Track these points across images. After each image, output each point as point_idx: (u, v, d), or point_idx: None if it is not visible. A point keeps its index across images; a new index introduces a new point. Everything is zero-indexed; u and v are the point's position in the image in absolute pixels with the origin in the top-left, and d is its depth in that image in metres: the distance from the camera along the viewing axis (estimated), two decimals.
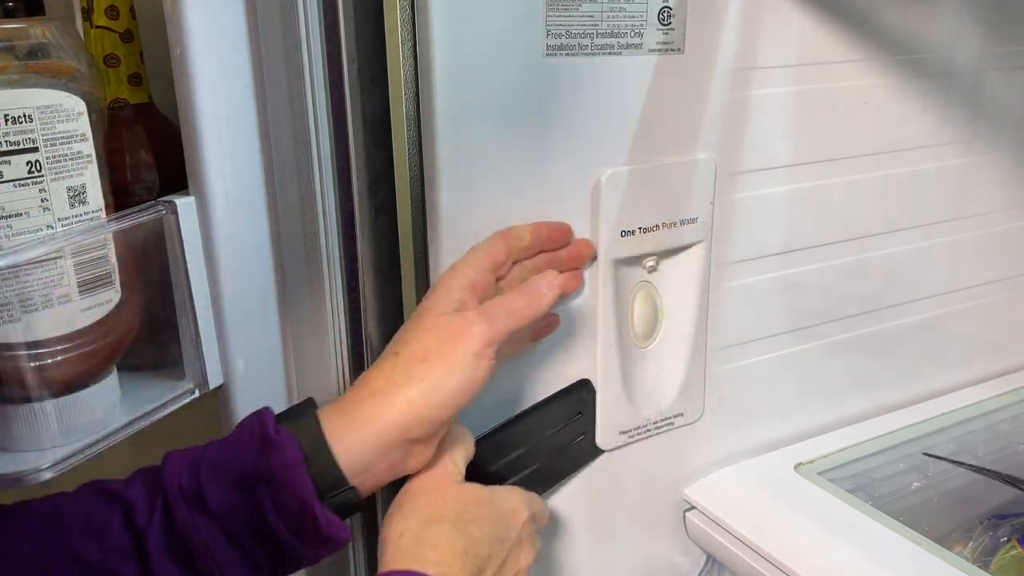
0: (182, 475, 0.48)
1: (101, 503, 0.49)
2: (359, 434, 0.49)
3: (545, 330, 0.61)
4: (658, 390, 0.67)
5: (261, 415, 0.50)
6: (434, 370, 0.49)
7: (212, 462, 0.49)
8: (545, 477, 0.63)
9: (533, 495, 0.56)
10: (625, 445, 0.66)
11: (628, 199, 0.60)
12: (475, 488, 0.52)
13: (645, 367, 0.66)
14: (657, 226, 0.62)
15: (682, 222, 0.64)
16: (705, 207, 0.65)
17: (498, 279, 0.57)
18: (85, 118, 0.50)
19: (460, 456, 0.54)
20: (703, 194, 0.64)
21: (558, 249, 0.60)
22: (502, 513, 0.52)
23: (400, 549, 0.47)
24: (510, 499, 0.53)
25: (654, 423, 0.67)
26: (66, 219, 0.50)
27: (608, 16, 0.57)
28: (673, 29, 0.60)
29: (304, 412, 0.50)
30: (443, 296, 0.52)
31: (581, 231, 0.61)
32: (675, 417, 0.68)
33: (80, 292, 0.50)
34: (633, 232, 0.61)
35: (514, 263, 0.58)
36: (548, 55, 0.56)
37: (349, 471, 0.48)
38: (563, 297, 0.58)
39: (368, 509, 0.60)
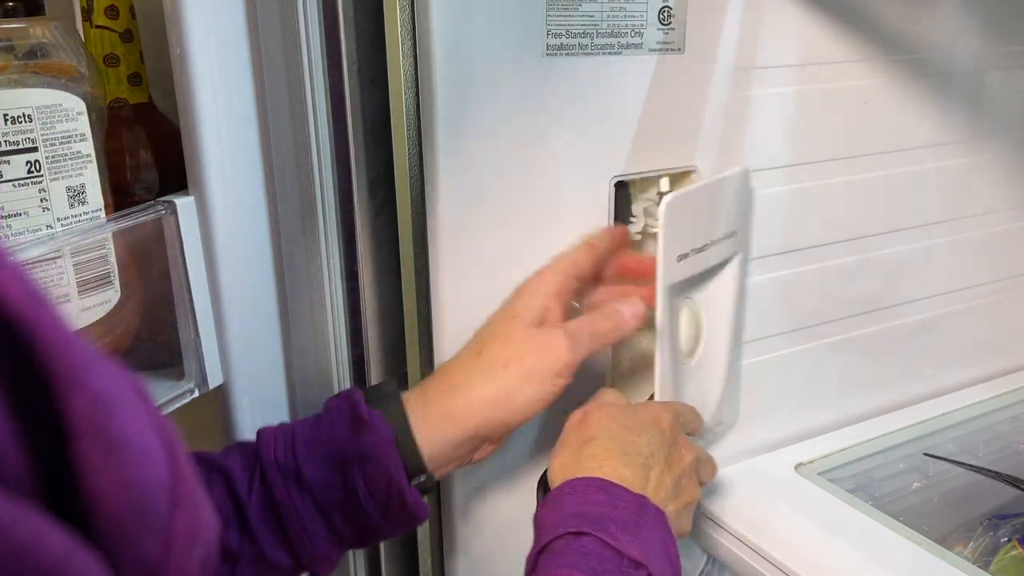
0: (278, 450, 0.50)
1: (200, 470, 0.50)
2: (438, 427, 0.52)
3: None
4: (703, 403, 0.66)
5: (351, 395, 0.52)
6: (514, 378, 0.52)
7: (307, 438, 0.51)
8: None
9: (671, 403, 0.59)
10: None
11: (683, 222, 0.60)
12: (615, 407, 0.54)
13: (689, 383, 0.66)
14: (706, 245, 0.62)
15: (724, 236, 0.64)
16: (743, 219, 0.65)
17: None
18: (85, 118, 0.50)
19: (608, 396, 0.56)
20: (743, 206, 0.65)
21: (623, 247, 0.62)
22: (647, 419, 0.54)
23: (564, 476, 0.49)
24: (651, 408, 0.56)
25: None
26: (66, 219, 0.50)
27: (608, 16, 0.57)
28: (673, 29, 0.59)
29: (390, 396, 0.53)
30: (530, 303, 0.55)
31: (581, 230, 0.61)
32: (716, 427, 0.68)
33: (80, 292, 0.50)
34: (687, 255, 0.61)
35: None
36: (548, 55, 0.56)
37: (426, 459, 0.51)
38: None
39: None
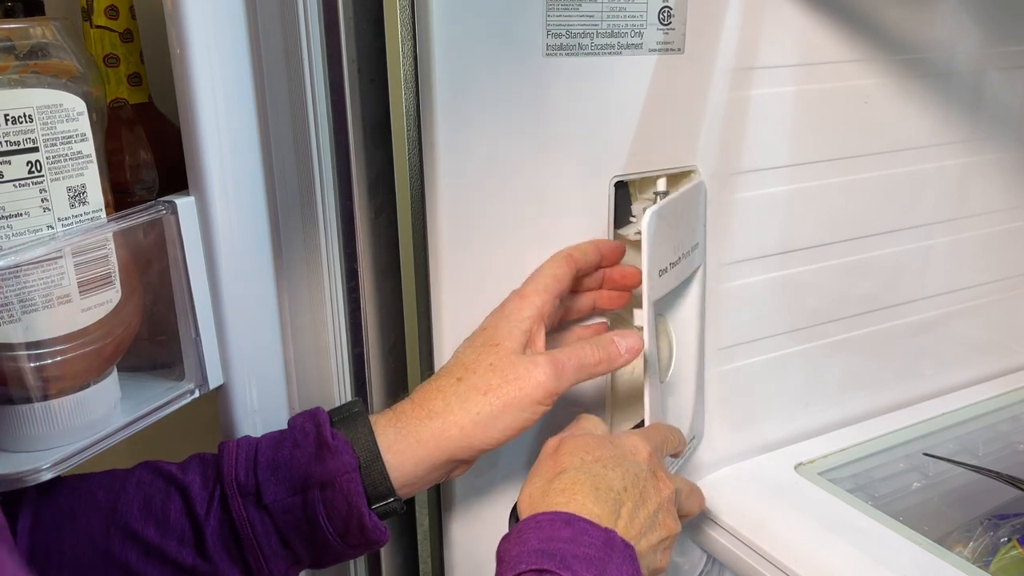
0: (239, 468, 0.50)
1: (159, 484, 0.51)
2: (411, 453, 0.51)
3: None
4: (678, 420, 0.66)
5: (316, 416, 0.52)
6: (491, 405, 0.51)
7: (270, 459, 0.50)
8: None
9: (652, 428, 0.57)
10: None
11: (662, 235, 0.58)
12: (591, 437, 0.53)
13: (667, 400, 0.66)
14: (679, 258, 0.61)
15: (692, 249, 0.64)
16: (703, 231, 0.65)
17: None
18: (85, 118, 0.50)
19: (586, 424, 0.55)
20: (703, 217, 0.65)
21: (612, 266, 0.61)
22: (623, 452, 0.52)
23: (532, 508, 0.48)
24: (628, 439, 0.53)
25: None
26: (66, 219, 0.50)
27: (608, 16, 0.57)
28: (673, 29, 0.60)
29: (357, 418, 0.52)
30: (513, 330, 0.54)
31: (581, 230, 0.61)
32: (691, 441, 0.68)
33: (80, 292, 0.50)
34: (666, 269, 0.60)
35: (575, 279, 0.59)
36: (548, 55, 0.56)
37: (396, 483, 0.50)
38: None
39: None
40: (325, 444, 0.50)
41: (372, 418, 0.52)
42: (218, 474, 0.50)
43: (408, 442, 0.51)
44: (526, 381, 0.51)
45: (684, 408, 0.67)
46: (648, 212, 0.55)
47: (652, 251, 0.56)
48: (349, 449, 0.50)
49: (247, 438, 0.53)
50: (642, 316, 0.57)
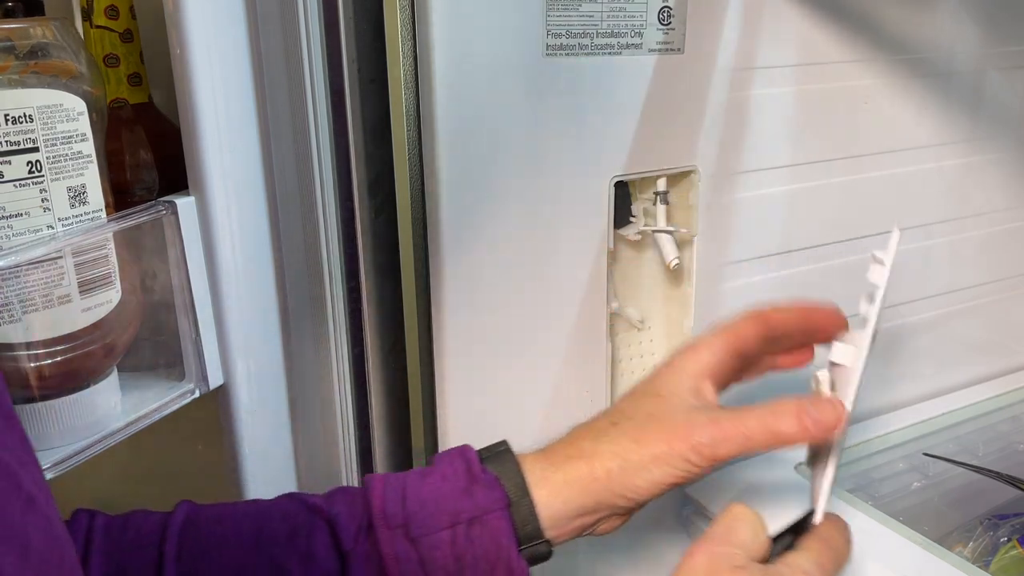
0: (388, 499, 0.48)
1: (303, 516, 0.48)
2: (558, 492, 0.48)
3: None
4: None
5: (464, 452, 0.50)
6: (640, 455, 0.48)
7: (419, 493, 0.48)
8: None
9: (826, 551, 0.48)
10: None
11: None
12: (741, 558, 0.45)
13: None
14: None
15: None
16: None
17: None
18: (85, 118, 0.50)
19: (744, 534, 0.46)
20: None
21: (824, 341, 0.53)
22: None
23: None
24: (794, 572, 0.45)
25: None
26: (66, 219, 0.50)
27: (608, 16, 0.57)
28: (673, 29, 0.60)
29: (505, 455, 0.50)
30: (677, 381, 0.50)
31: (581, 233, 0.61)
32: None
33: (80, 292, 0.50)
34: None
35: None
36: (548, 55, 0.56)
37: (544, 523, 0.48)
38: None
39: None
40: (475, 479, 0.48)
41: (520, 456, 0.50)
42: (366, 506, 0.48)
43: (556, 481, 0.48)
44: (681, 439, 0.47)
45: (823, 492, 0.53)
46: (897, 230, 0.50)
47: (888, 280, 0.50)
48: (498, 485, 0.47)
49: (391, 474, 0.50)
50: (849, 383, 0.47)
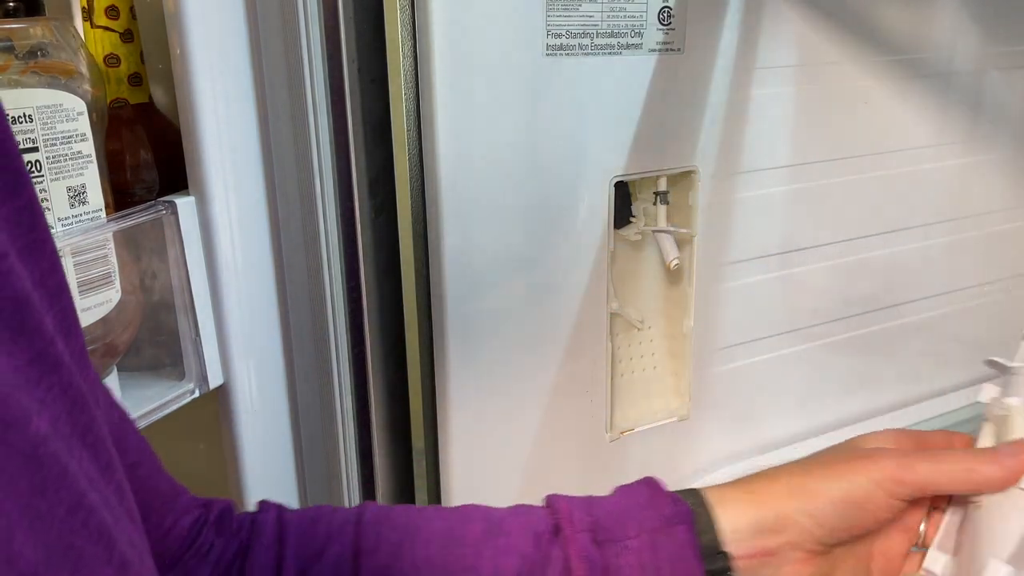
0: (574, 508, 0.47)
1: (492, 519, 0.47)
2: (737, 505, 0.47)
3: None
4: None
5: (647, 479, 0.49)
6: (820, 474, 0.46)
7: (604, 505, 0.47)
8: None
9: None
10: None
11: None
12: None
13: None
14: None
15: None
16: None
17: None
18: (85, 118, 0.50)
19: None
20: None
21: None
22: None
23: None
24: None
25: None
26: (66, 219, 0.50)
27: (608, 16, 0.57)
28: (673, 29, 0.60)
29: (684, 488, 0.49)
30: (859, 441, 0.49)
31: (581, 233, 0.61)
32: None
33: (80, 292, 0.50)
34: None
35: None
36: (548, 55, 0.56)
37: (724, 538, 0.46)
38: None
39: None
40: (658, 496, 0.47)
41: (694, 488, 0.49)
42: (552, 513, 0.47)
43: (734, 496, 0.47)
44: (867, 459, 0.46)
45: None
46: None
47: None
48: (681, 501, 0.47)
49: (561, 495, 0.49)
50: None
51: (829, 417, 0.79)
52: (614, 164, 0.61)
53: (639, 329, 0.68)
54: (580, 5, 0.56)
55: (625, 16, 0.58)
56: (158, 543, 0.42)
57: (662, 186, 0.64)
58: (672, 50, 0.60)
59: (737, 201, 0.67)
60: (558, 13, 0.55)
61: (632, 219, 0.65)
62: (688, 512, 0.46)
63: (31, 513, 0.24)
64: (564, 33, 0.56)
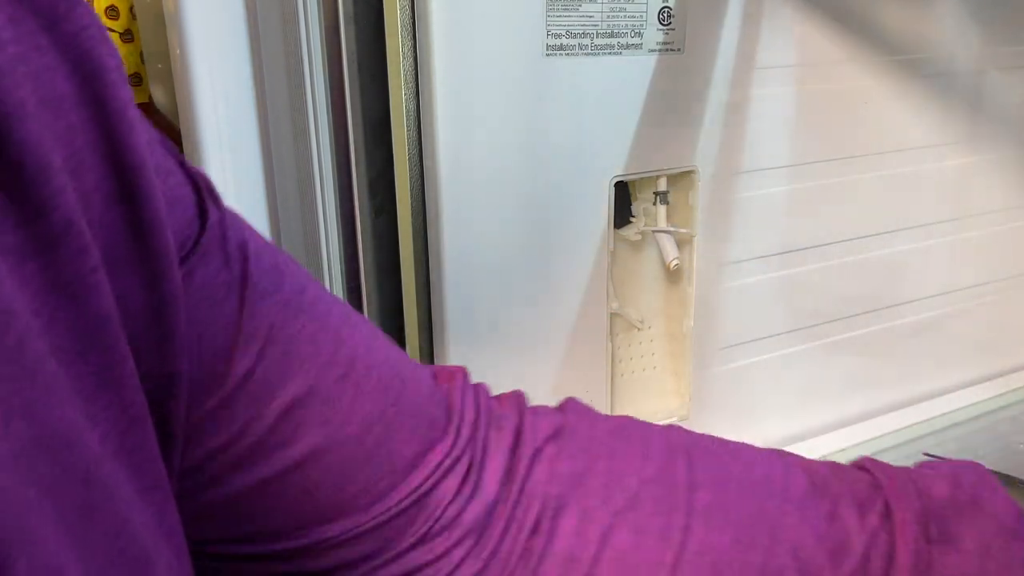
0: (902, 487, 0.41)
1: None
2: None
3: None
4: None
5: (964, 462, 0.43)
6: None
7: (931, 489, 0.41)
8: None
9: None
10: None
11: None
12: None
13: None
14: None
15: None
16: None
17: None
18: None
19: None
20: None
21: None
22: None
23: None
24: None
25: None
26: None
27: (608, 16, 0.57)
28: (673, 29, 0.59)
29: None
30: None
31: (581, 233, 0.61)
32: None
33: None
34: None
35: None
36: (548, 55, 0.56)
37: None
38: None
39: None
40: (990, 488, 0.41)
41: None
42: (877, 485, 0.42)
43: None
44: None
45: None
46: None
47: None
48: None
49: None
50: None
51: (829, 417, 0.79)
52: (614, 164, 0.61)
53: (639, 329, 0.68)
54: (580, 5, 0.56)
55: (625, 16, 0.58)
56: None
57: (662, 186, 0.64)
58: (672, 50, 0.60)
59: (737, 201, 0.67)
60: (558, 13, 0.55)
61: (632, 219, 0.65)
62: None
63: (78, 540, 0.22)
64: (564, 33, 0.56)
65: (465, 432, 0.37)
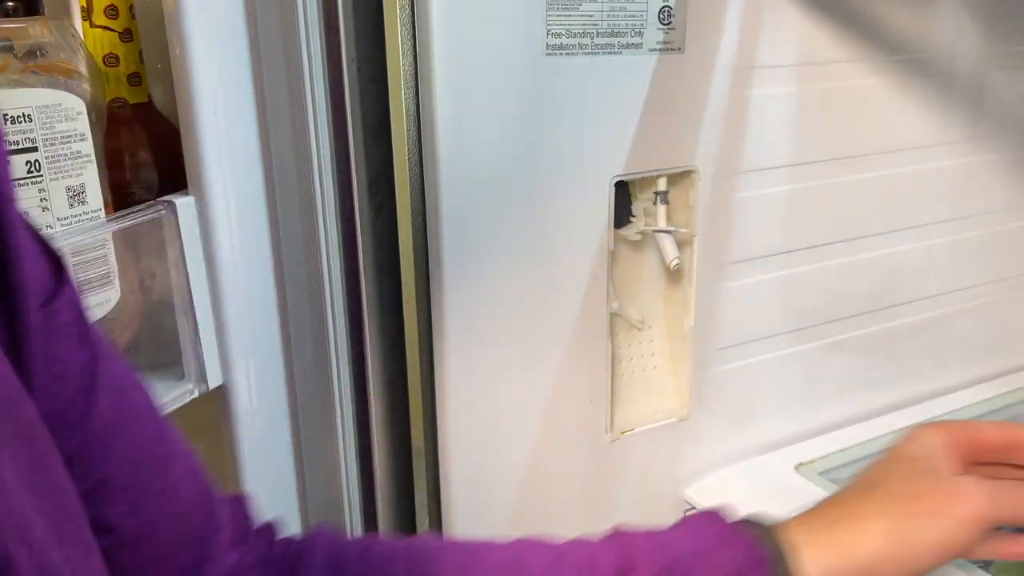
0: (643, 547, 0.45)
1: (557, 549, 0.46)
2: (825, 556, 0.44)
3: None
4: None
5: (712, 510, 0.47)
6: (916, 515, 0.45)
7: (673, 544, 0.45)
8: None
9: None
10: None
11: None
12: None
13: None
14: None
15: None
16: None
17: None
18: (84, 118, 0.50)
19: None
20: None
21: None
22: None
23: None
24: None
25: None
26: (65, 219, 0.50)
27: (608, 16, 0.57)
28: (673, 29, 0.59)
29: (754, 520, 0.47)
30: (923, 447, 0.48)
31: (581, 233, 0.60)
32: None
33: (80, 292, 0.50)
34: None
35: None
36: (548, 55, 0.56)
37: None
38: None
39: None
40: (730, 531, 0.45)
41: (780, 523, 0.47)
42: (621, 548, 0.45)
43: (822, 543, 0.45)
44: (956, 495, 0.45)
45: None
46: None
47: None
48: (755, 541, 0.44)
49: (642, 529, 0.47)
50: None
51: (829, 417, 0.78)
52: (614, 164, 0.61)
53: (639, 329, 0.68)
54: (580, 5, 0.56)
55: (625, 16, 0.58)
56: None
57: (662, 186, 0.64)
58: (672, 50, 0.60)
59: (737, 201, 0.67)
60: (558, 13, 0.55)
61: (632, 219, 0.65)
62: (763, 559, 0.43)
63: (35, 489, 0.24)
64: (564, 33, 0.56)
65: None
